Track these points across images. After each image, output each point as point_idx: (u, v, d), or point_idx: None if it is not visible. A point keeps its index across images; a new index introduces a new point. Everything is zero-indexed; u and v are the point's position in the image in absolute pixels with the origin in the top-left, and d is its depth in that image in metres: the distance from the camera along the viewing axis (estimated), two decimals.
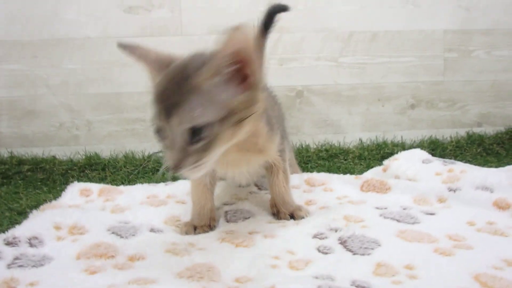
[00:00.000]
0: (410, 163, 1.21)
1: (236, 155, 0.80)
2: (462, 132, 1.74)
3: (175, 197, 1.12)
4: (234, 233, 0.86)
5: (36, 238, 0.80)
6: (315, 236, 0.83)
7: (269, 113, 0.84)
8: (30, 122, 1.57)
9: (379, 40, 1.68)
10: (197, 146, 0.67)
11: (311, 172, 1.33)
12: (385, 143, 1.66)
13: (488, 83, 1.75)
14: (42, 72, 1.56)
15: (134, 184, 1.26)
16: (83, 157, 1.52)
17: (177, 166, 0.67)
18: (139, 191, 1.17)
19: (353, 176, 1.22)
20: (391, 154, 1.58)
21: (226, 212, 1.00)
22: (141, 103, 1.60)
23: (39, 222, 0.87)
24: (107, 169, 1.46)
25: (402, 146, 1.63)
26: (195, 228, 0.90)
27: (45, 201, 1.15)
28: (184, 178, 1.02)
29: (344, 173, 1.35)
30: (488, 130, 1.75)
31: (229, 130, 0.69)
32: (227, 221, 0.96)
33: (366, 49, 1.68)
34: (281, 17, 1.24)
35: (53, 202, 1.07)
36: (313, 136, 1.68)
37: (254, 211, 0.99)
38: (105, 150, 1.59)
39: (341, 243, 0.79)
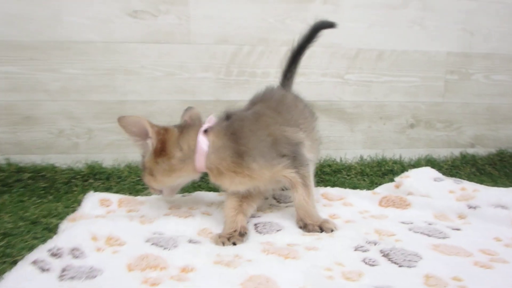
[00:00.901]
0: (423, 181, 1.25)
1: (232, 179, 0.99)
2: (456, 152, 1.80)
3: (198, 208, 1.12)
4: (273, 245, 0.87)
5: (77, 249, 0.78)
6: (356, 249, 0.85)
7: (241, 142, 0.97)
8: (27, 128, 1.50)
9: (385, 59, 1.70)
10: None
11: (318, 186, 1.37)
12: (384, 160, 1.70)
13: (484, 106, 1.81)
14: (42, 76, 1.49)
15: (143, 194, 1.26)
16: (85, 166, 1.48)
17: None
18: (159, 202, 1.15)
19: (370, 191, 1.25)
20: (391, 171, 1.63)
21: (255, 224, 1.00)
22: (145, 112, 1.56)
23: (75, 233, 0.84)
24: (111, 179, 1.42)
25: (401, 164, 1.68)
26: (228, 238, 0.91)
27: (55, 210, 1.12)
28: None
29: (350, 188, 1.39)
30: (480, 151, 1.82)
31: (149, 177, 1.03)
32: (260, 233, 0.96)
33: (372, 67, 1.70)
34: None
35: (79, 211, 1.04)
36: None
37: (282, 223, 1.00)
38: (107, 159, 1.54)
39: (384, 256, 0.82)
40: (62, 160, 1.52)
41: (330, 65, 1.67)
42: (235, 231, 0.92)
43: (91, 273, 0.71)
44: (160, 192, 1.06)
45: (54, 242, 0.79)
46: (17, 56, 1.47)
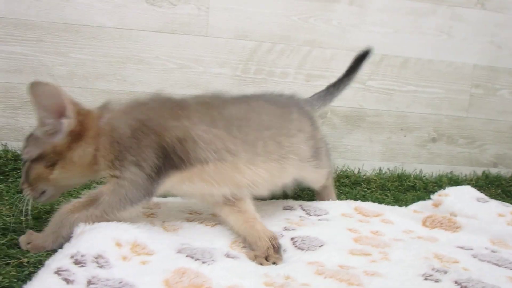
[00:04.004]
0: (466, 201, 1.16)
1: None
2: (478, 171, 1.71)
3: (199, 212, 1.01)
4: (325, 266, 0.77)
5: (101, 257, 0.66)
6: (426, 278, 0.75)
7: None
8: (27, 114, 1.38)
9: (409, 67, 1.62)
10: (27, 177, 0.85)
11: (341, 199, 1.28)
12: (404, 174, 1.60)
13: (508, 124, 1.73)
14: (47, 59, 1.39)
15: None
16: None
17: (20, 187, 0.87)
18: (174, 204, 1.06)
19: (408, 209, 1.15)
20: (412, 187, 1.54)
21: (292, 239, 0.89)
22: None
23: (97, 237, 0.71)
24: None
25: (422, 180, 1.58)
26: (266, 258, 0.79)
27: (58, 203, 0.99)
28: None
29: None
30: (503, 171, 1.73)
31: (43, 169, 0.83)
32: (300, 249, 0.85)
33: (396, 75, 1.62)
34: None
35: None
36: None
37: (322, 238, 0.90)
38: None
39: None
40: None
41: (357, 74, 1.58)
42: (268, 248, 0.81)
43: None
44: (40, 194, 0.87)
45: (76, 247, 0.67)
46: (22, 35, 1.37)
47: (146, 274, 0.65)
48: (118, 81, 1.44)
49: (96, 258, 0.65)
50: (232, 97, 1.00)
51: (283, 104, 1.08)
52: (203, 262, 0.72)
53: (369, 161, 1.63)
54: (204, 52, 1.48)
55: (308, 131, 1.06)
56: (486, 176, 1.68)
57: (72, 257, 0.64)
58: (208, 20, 1.47)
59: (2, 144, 1.35)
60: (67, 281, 0.59)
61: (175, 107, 0.88)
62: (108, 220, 0.78)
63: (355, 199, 1.33)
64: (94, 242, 0.69)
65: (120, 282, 0.61)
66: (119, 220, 0.79)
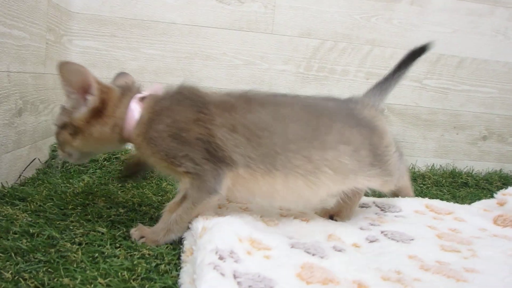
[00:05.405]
0: None
1: (148, 157, 0.91)
2: None
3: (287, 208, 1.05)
4: (425, 261, 0.80)
5: (233, 252, 0.69)
6: None
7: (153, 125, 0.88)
8: None
9: (465, 67, 1.65)
10: (57, 139, 0.94)
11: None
12: (455, 171, 1.64)
13: None
14: (119, 54, 1.42)
15: None
16: None
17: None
18: None
19: (478, 207, 1.19)
20: (465, 184, 1.58)
21: (382, 232, 0.93)
22: None
23: (224, 233, 0.74)
24: None
25: (473, 177, 1.63)
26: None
27: (147, 198, 1.07)
28: None
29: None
30: None
31: (67, 136, 0.90)
32: (395, 240, 0.90)
33: (452, 74, 1.65)
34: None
35: None
36: None
37: (408, 233, 0.94)
38: None
39: None
40: None
41: (410, 69, 1.61)
42: None
43: (264, 282, 0.64)
44: (68, 156, 0.95)
45: (213, 243, 0.70)
46: (96, 31, 1.40)
47: (276, 269, 0.69)
48: (186, 76, 1.47)
49: (230, 253, 0.69)
50: (264, 98, 0.93)
51: (324, 112, 0.96)
52: (321, 257, 0.76)
53: (422, 158, 1.68)
54: (269, 49, 1.51)
55: (359, 141, 0.94)
56: None
57: (216, 252, 0.67)
58: (274, 18, 1.49)
59: None
60: (222, 274, 0.63)
61: (197, 111, 0.86)
62: (198, 211, 0.83)
63: (415, 194, 1.38)
64: (225, 238, 0.73)
65: (259, 276, 0.65)
66: (206, 209, 0.83)
